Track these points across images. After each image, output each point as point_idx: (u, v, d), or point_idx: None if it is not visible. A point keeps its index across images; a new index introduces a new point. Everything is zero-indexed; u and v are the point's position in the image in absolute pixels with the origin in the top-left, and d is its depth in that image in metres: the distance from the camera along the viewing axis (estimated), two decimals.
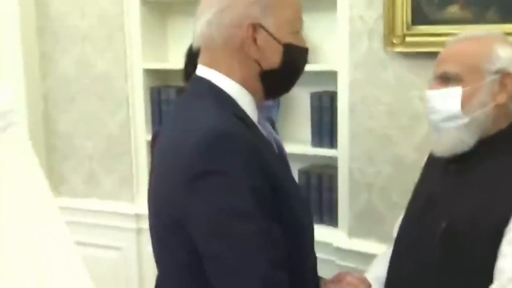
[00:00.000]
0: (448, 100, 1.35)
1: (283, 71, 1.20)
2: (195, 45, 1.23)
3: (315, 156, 2.44)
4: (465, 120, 1.33)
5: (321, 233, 2.28)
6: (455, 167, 1.39)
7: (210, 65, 1.19)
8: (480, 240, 1.25)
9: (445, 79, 1.36)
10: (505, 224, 1.23)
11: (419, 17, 2.06)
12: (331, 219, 2.38)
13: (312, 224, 1.29)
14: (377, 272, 1.55)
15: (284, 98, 2.53)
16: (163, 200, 1.16)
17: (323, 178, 2.40)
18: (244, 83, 1.19)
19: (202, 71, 1.21)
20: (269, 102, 2.52)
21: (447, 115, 1.35)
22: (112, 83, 2.74)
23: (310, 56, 2.44)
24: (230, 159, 1.07)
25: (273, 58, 1.18)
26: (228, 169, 1.06)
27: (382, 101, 2.19)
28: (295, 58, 1.22)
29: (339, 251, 2.29)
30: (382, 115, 2.20)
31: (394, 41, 2.11)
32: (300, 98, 2.53)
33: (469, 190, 1.33)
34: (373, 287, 1.44)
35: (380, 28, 2.14)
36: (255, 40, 1.15)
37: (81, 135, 2.85)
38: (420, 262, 1.37)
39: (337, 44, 2.26)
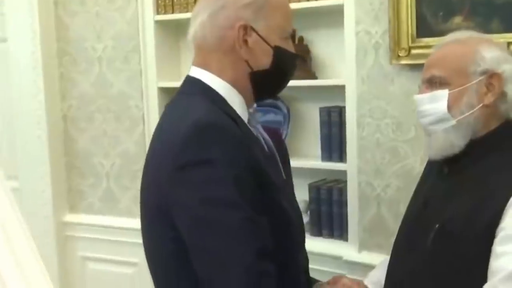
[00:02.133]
0: (435, 103, 1.35)
1: (272, 73, 1.22)
2: (189, 42, 1.25)
3: (325, 171, 2.44)
4: (453, 122, 1.33)
5: (332, 247, 2.35)
6: (448, 170, 1.39)
7: (202, 65, 1.22)
8: (472, 240, 1.24)
9: (433, 83, 1.36)
10: (496, 224, 1.21)
11: (423, 29, 2.07)
12: (341, 233, 2.37)
13: (302, 222, 1.30)
14: (376, 276, 1.56)
15: (294, 114, 2.57)
16: (151, 190, 1.18)
17: (333, 192, 2.39)
18: (234, 83, 1.21)
19: (194, 71, 1.23)
20: (280, 118, 2.54)
21: (435, 118, 1.35)
22: (128, 102, 2.78)
23: (318, 71, 2.49)
24: (215, 149, 1.08)
25: (263, 60, 1.21)
26: (213, 158, 1.07)
27: (389, 113, 2.19)
28: (284, 61, 1.24)
29: (349, 264, 2.26)
30: (389, 128, 2.19)
31: (400, 54, 2.12)
32: (309, 113, 2.55)
33: (461, 191, 1.32)
34: None
35: (386, 42, 2.15)
36: (246, 41, 1.19)
37: (98, 154, 2.89)
38: (414, 266, 1.37)
39: (345, 59, 2.27)
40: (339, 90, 2.30)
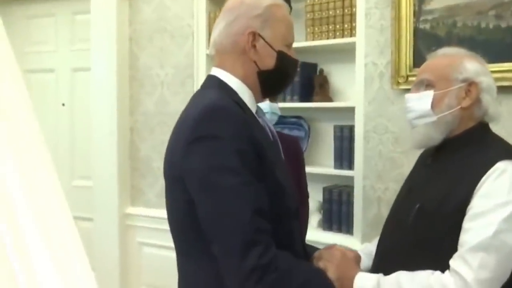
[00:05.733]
0: (421, 101, 1.36)
1: (276, 72, 1.24)
2: (210, 52, 1.29)
3: (337, 176, 2.47)
4: (434, 118, 1.34)
5: (339, 239, 2.34)
6: (430, 161, 1.40)
7: (220, 65, 1.25)
8: (445, 218, 1.25)
9: (422, 85, 1.38)
10: (466, 204, 1.23)
11: (419, 60, 2.10)
12: (348, 228, 2.39)
13: (295, 193, 1.29)
14: (368, 249, 1.57)
15: (313, 131, 2.62)
16: (170, 160, 1.20)
17: (342, 194, 2.41)
18: (245, 80, 1.23)
19: (213, 71, 1.26)
20: (302, 134, 2.64)
21: (419, 114, 1.36)
22: None
23: (334, 96, 2.59)
24: (222, 126, 1.09)
25: (268, 61, 1.23)
26: (220, 134, 1.08)
27: (390, 129, 2.22)
28: (286, 63, 1.26)
29: None
30: (389, 142, 2.23)
31: (400, 81, 2.18)
32: (325, 130, 2.60)
33: (438, 178, 1.33)
34: (363, 259, 1.47)
35: (388, 71, 2.21)
36: (254, 46, 1.21)
37: (156, 159, 2.99)
38: (398, 239, 1.38)
39: (355, 85, 2.33)
40: (350, 111, 2.35)
